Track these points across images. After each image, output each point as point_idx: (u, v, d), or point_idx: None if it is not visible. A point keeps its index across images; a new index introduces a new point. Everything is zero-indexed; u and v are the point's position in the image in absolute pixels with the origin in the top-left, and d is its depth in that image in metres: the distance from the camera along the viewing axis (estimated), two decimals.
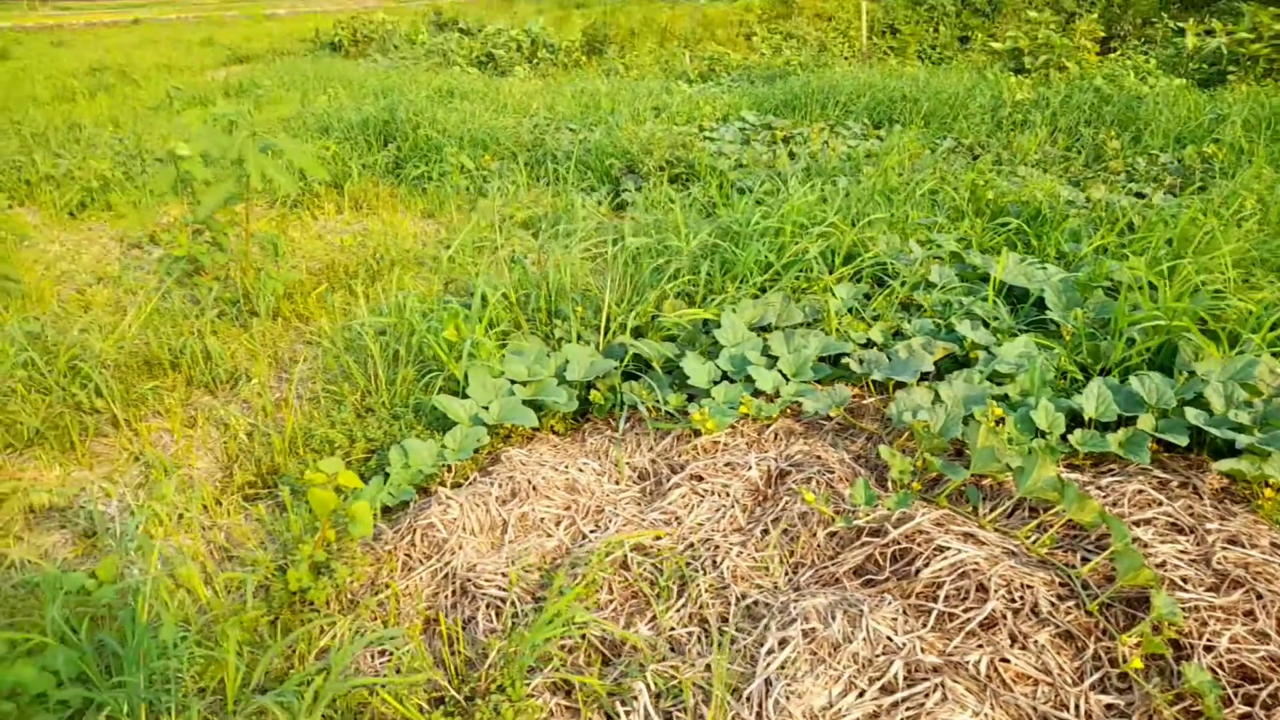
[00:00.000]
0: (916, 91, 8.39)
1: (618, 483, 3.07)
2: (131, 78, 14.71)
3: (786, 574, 2.51)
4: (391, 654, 2.30)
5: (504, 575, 2.58)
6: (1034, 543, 2.41)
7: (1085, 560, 2.34)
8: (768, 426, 3.21)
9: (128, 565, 2.63)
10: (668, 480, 3.02)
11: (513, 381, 3.34)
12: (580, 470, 3.09)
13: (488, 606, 2.47)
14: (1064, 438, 2.79)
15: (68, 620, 2.16)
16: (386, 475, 3.03)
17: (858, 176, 5.78)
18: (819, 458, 2.95)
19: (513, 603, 2.46)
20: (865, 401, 3.32)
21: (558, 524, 2.85)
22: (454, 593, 2.55)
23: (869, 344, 3.55)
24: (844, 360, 3.35)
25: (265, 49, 18.76)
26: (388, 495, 2.85)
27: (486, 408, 3.22)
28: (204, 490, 3.04)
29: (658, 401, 3.31)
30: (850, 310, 3.83)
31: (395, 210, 6.64)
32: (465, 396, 3.29)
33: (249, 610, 2.32)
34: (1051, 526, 2.47)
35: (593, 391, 3.41)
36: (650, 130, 7.28)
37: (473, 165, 6.88)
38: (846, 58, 14.01)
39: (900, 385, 3.18)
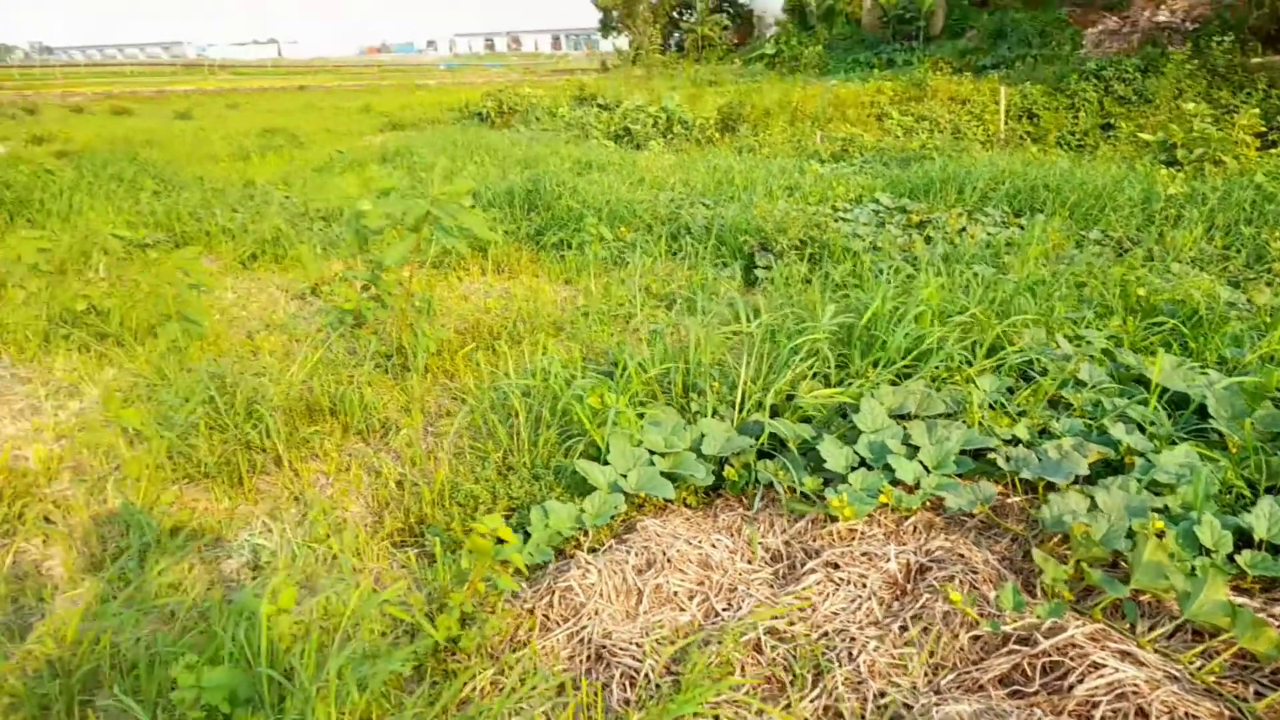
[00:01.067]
0: (1059, 180, 8.23)
1: (750, 562, 3.08)
2: (298, 140, 16.00)
3: (926, 674, 2.45)
4: (529, 712, 2.36)
5: (638, 645, 2.61)
6: (1199, 669, 2.28)
7: (1259, 695, 2.20)
8: (906, 518, 3.16)
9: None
10: (802, 564, 3.01)
11: (651, 452, 3.41)
12: (713, 546, 3.11)
13: (622, 675, 2.51)
14: (1230, 558, 2.64)
15: (246, 643, 2.31)
16: (526, 534, 3.13)
17: (998, 265, 5.69)
18: (961, 556, 2.88)
19: (646, 674, 2.49)
20: (1010, 500, 3.23)
21: (691, 598, 2.87)
22: (589, 657, 2.60)
23: (1014, 440, 3.46)
24: (989, 455, 3.28)
25: (417, 117, 20.09)
26: (529, 555, 2.94)
27: (625, 476, 3.30)
28: (358, 534, 3.22)
29: (792, 483, 3.32)
30: (993, 404, 3.76)
31: (535, 275, 6.94)
32: (605, 463, 3.38)
33: (401, 653, 2.42)
34: (1219, 653, 2.33)
35: (727, 468, 3.45)
36: (784, 209, 7.39)
37: (611, 236, 7.13)
38: (982, 142, 13.89)
39: (1050, 487, 3.08)
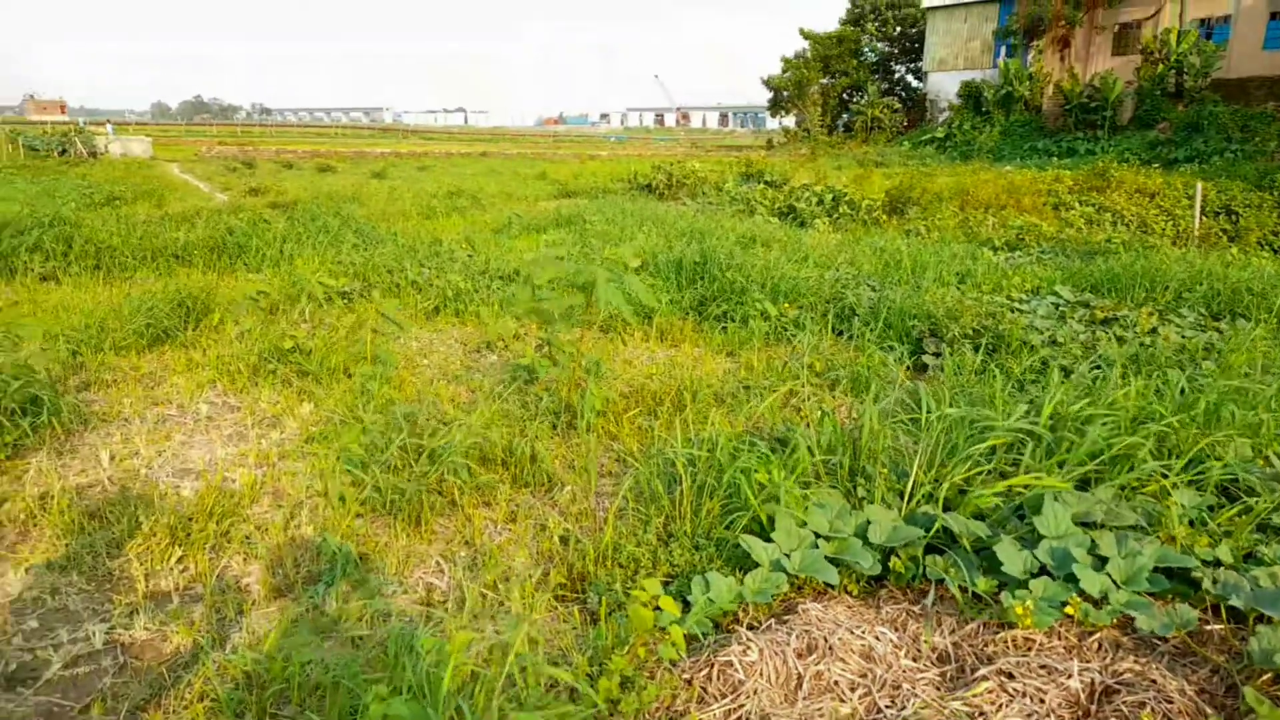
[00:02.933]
0: (1265, 285, 7.62)
1: (916, 659, 2.96)
2: (479, 202, 17.05)
3: None
4: None
5: None
6: None
7: None
8: (1090, 634, 2.96)
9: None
10: (972, 669, 2.86)
11: (816, 534, 3.37)
12: (876, 638, 3.02)
13: None
14: None
15: (427, 677, 2.43)
16: (685, 602, 3.15)
17: (1196, 371, 5.32)
18: (1153, 682, 2.67)
19: None
20: (1209, 627, 2.97)
21: (852, 690, 2.79)
22: None
23: (1215, 563, 3.19)
24: (1193, 574, 3.03)
25: (589, 186, 21.00)
26: (688, 625, 2.95)
27: (789, 555, 3.27)
28: (525, 585, 3.33)
29: (964, 581, 3.18)
30: (1191, 521, 3.48)
31: (696, 344, 7.05)
32: (768, 540, 3.36)
33: (561, 708, 2.48)
34: None
35: (894, 558, 3.35)
36: (956, 295, 7.21)
37: (775, 312, 7.17)
38: (1173, 239, 13.09)
39: (1261, 618, 2.81)
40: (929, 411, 3.98)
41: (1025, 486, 3.63)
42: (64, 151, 30.06)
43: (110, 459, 4.55)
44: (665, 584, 3.35)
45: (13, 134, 32.32)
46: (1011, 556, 3.17)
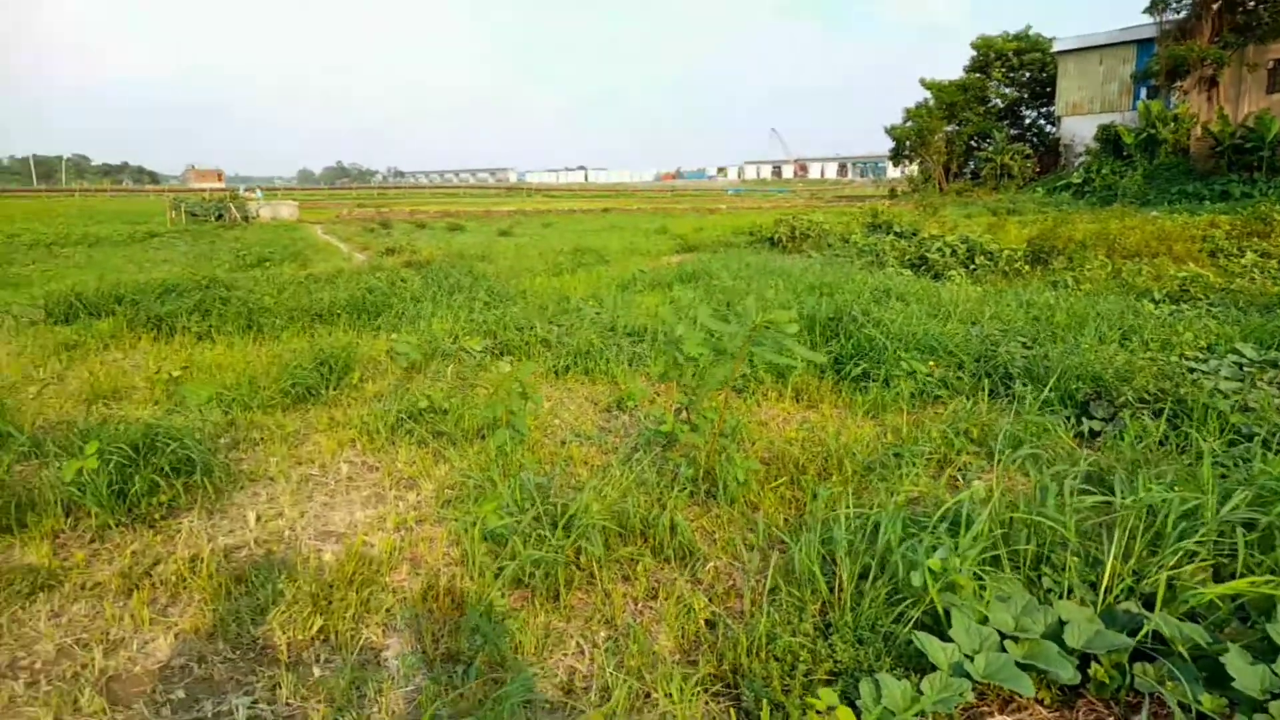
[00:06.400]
0: None
1: None
2: (604, 258, 17.21)
3: None
4: None
5: None
6: None
7: None
8: None
9: None
10: None
11: (1001, 634, 2.99)
12: None
13: None
14: None
15: None
16: (852, 706, 2.82)
17: None
18: None
19: None
20: None
21: None
22: None
23: None
24: None
25: (710, 239, 20.93)
26: None
27: (970, 657, 2.90)
28: (673, 674, 3.08)
29: (1184, 697, 2.73)
30: None
31: (835, 405, 6.69)
32: (944, 638, 3.00)
33: None
34: None
35: (1095, 666, 2.92)
36: (1126, 355, 6.61)
37: (923, 370, 6.75)
38: None
39: None
40: (1130, 496, 3.52)
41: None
42: (219, 216, 32.43)
43: (256, 520, 4.59)
44: (827, 683, 3.03)
45: (176, 201, 35.13)
46: (1244, 671, 2.70)
